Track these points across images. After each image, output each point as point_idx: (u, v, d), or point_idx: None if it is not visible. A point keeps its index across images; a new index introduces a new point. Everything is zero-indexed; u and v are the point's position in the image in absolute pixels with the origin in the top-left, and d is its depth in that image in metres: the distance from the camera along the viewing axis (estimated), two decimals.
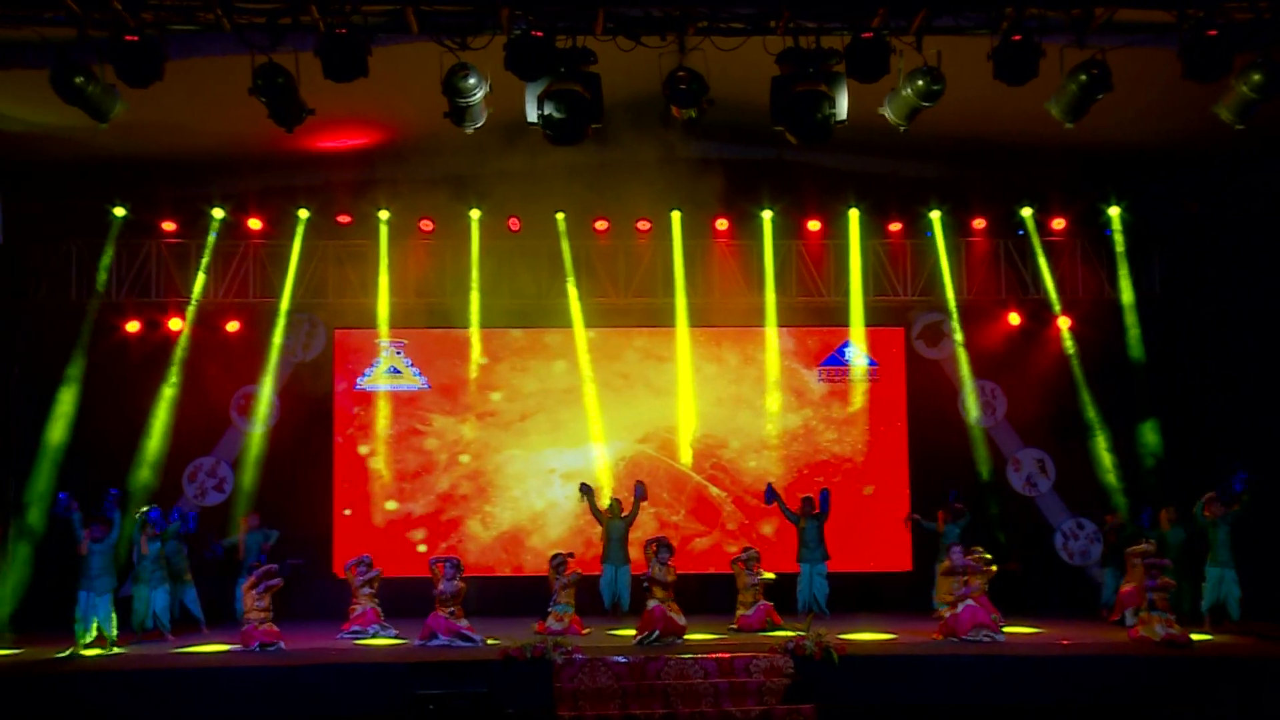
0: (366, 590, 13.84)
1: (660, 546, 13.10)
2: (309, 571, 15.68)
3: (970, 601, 12.66)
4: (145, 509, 13.95)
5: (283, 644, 12.56)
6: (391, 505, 16.24)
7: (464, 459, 16.39)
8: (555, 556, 13.75)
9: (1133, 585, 13.35)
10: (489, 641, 12.57)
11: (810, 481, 15.81)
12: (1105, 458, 15.59)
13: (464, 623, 12.71)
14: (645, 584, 12.94)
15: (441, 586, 12.80)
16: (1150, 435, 15.50)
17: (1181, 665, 11.83)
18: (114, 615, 12.79)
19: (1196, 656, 12.03)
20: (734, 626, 13.57)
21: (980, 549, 13.52)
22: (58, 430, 14.77)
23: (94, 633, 12.60)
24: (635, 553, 14.40)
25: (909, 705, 11.60)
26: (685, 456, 16.43)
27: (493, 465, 16.44)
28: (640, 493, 14.31)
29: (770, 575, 13.97)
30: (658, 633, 12.46)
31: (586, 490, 14.63)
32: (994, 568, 13.56)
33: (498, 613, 14.96)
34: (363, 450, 16.34)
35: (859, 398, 16.65)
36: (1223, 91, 9.50)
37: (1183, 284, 16.07)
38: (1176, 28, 8.97)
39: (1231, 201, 15.47)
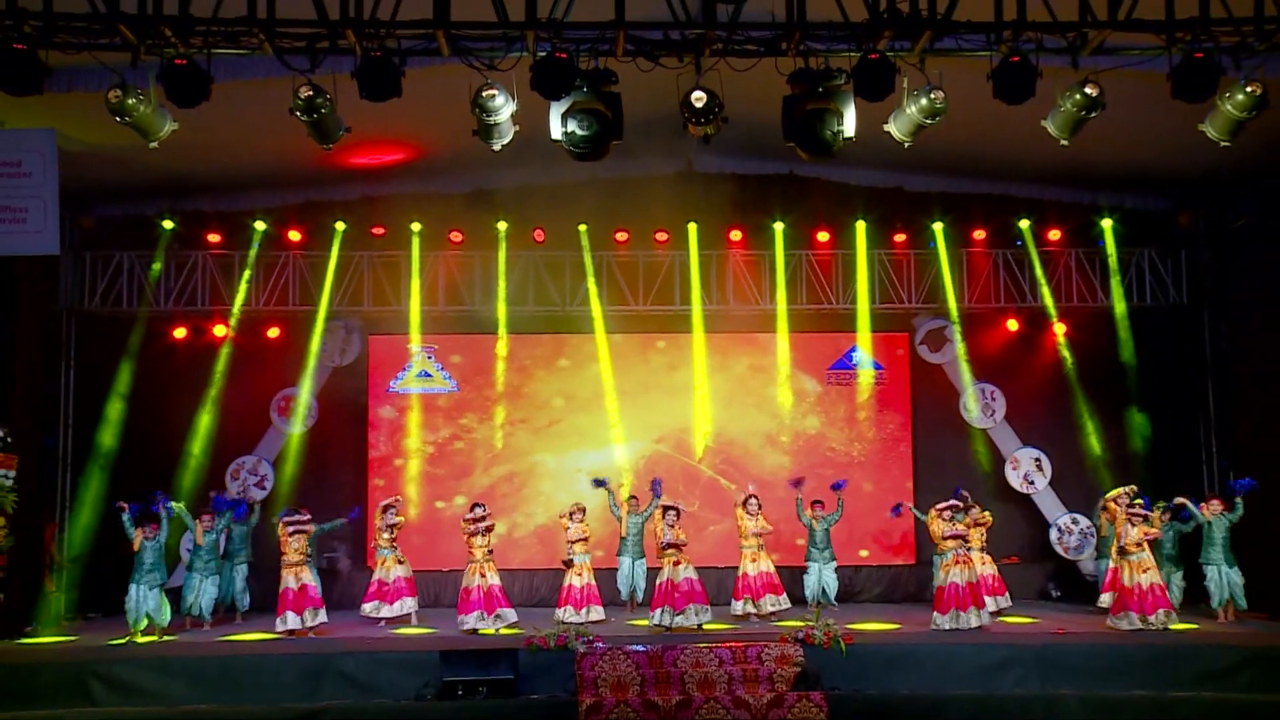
0: (387, 536, 13.93)
1: (667, 509, 13.43)
2: (350, 565, 15.91)
3: (957, 580, 12.71)
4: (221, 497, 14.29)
5: (315, 617, 12.92)
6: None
7: (495, 457, 16.45)
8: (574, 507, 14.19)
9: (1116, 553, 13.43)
10: (504, 631, 12.78)
11: (820, 479, 15.73)
12: (1097, 450, 15.57)
13: (493, 579, 13.04)
14: (662, 547, 13.21)
15: (472, 527, 13.25)
16: (1139, 419, 15.52)
17: (1178, 652, 11.81)
18: (165, 606, 12.93)
19: (1194, 644, 12.03)
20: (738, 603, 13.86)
21: (978, 506, 14.10)
22: (109, 431, 14.88)
23: (145, 622, 12.73)
24: (650, 541, 14.40)
25: (913, 693, 11.58)
26: (700, 455, 16.47)
27: (523, 466, 16.47)
28: (657, 490, 14.33)
29: (768, 526, 14.24)
30: (669, 608, 12.85)
31: (602, 484, 14.68)
32: (989, 517, 14.11)
33: (531, 603, 15.24)
34: (395, 450, 16.41)
35: (865, 400, 16.68)
36: (1210, 111, 9.50)
37: (1174, 293, 16.04)
38: (1166, 50, 8.96)
39: (1222, 214, 15.47)
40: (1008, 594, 14.32)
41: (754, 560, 14.00)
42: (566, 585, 13.75)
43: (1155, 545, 13.41)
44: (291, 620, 12.86)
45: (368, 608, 13.82)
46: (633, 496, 14.89)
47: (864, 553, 16.32)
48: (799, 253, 15.99)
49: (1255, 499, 13.19)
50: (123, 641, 12.53)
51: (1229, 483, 13.68)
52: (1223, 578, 13.27)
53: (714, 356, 16.47)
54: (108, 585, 14.03)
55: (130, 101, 9.00)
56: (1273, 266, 14.41)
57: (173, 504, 13.43)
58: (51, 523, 14.71)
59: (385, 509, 14.16)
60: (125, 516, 12.95)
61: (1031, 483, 16.31)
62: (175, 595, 13.73)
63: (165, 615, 12.89)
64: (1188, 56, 8.81)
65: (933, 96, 9.27)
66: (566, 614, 13.43)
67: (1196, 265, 15.99)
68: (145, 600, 12.74)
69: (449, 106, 9.71)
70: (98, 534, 14.53)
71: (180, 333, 15.90)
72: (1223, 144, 9.61)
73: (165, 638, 12.78)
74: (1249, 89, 9.10)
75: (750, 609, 13.78)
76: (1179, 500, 13.68)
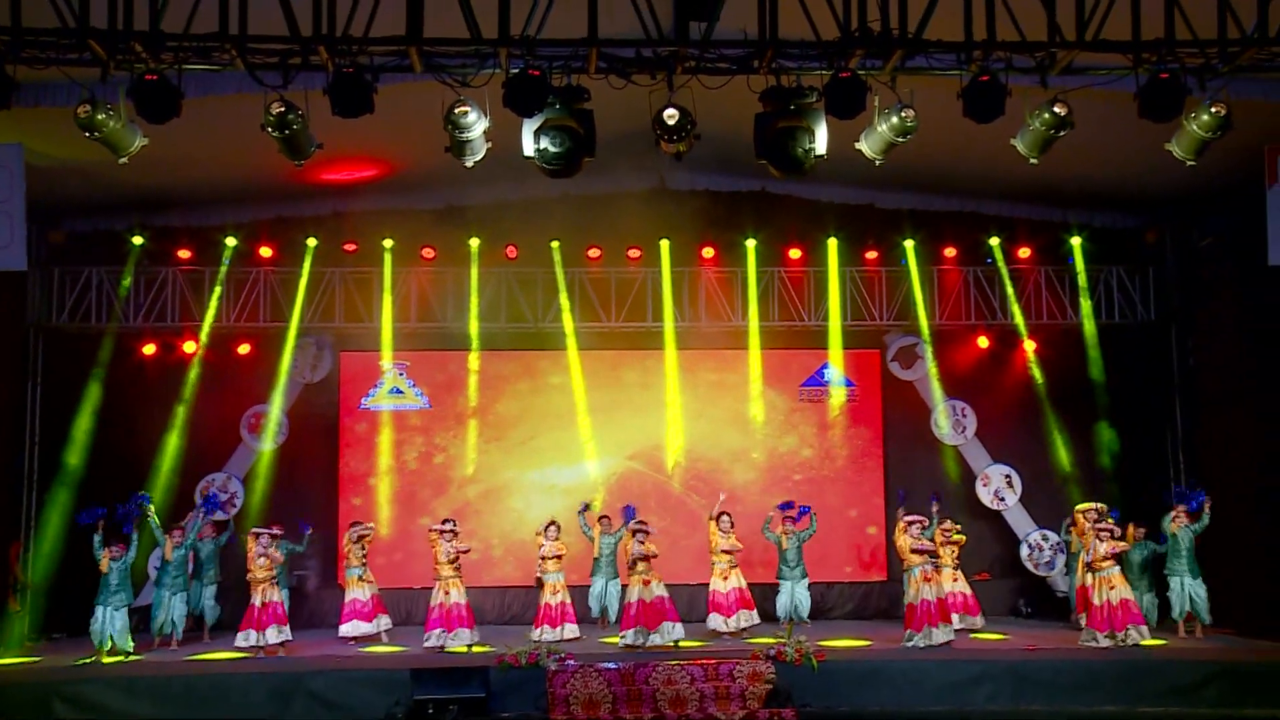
0: (359, 552, 13.83)
1: (636, 531, 13.40)
2: (316, 583, 15.79)
3: (928, 596, 12.72)
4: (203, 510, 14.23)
5: (279, 635, 12.73)
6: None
7: (468, 474, 16.38)
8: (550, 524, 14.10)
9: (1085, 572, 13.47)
10: (475, 649, 12.73)
11: (795, 496, 15.72)
12: (1067, 466, 15.68)
13: (457, 597, 12.97)
14: (631, 561, 13.23)
15: (441, 548, 13.18)
16: (1107, 435, 15.64)
17: (1146, 667, 11.89)
18: (128, 629, 12.79)
19: (1161, 659, 12.12)
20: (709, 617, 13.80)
21: (949, 520, 14.23)
22: (76, 447, 14.71)
23: (110, 645, 12.59)
24: (624, 560, 14.34)
25: (885, 710, 11.60)
26: (671, 471, 16.47)
27: (496, 483, 16.40)
28: (629, 515, 14.25)
29: (739, 545, 14.12)
30: (641, 628, 12.78)
31: (584, 509, 14.69)
32: (961, 538, 14.25)
33: (504, 620, 15.27)
34: (367, 467, 16.32)
35: (836, 417, 16.73)
36: (1176, 131, 9.61)
37: (1142, 310, 16.20)
38: (1132, 70, 9.06)
39: (1189, 232, 15.64)
40: (981, 615, 14.34)
41: (725, 578, 13.96)
42: (543, 604, 13.67)
43: (1125, 562, 13.49)
44: (252, 637, 12.75)
45: (346, 628, 13.67)
46: (604, 516, 14.86)
47: (848, 569, 16.38)
48: (771, 269, 16.02)
49: (1221, 514, 13.29)
50: (89, 661, 12.39)
51: (1177, 492, 13.87)
52: (1185, 590, 13.34)
53: (686, 373, 16.46)
54: (74, 605, 13.87)
55: (100, 117, 8.93)
56: (1239, 284, 14.58)
57: (150, 506, 13.32)
58: (16, 542, 14.54)
59: (355, 528, 14.06)
60: (96, 537, 12.82)
61: (1002, 499, 16.37)
62: (143, 613, 13.61)
63: (129, 641, 12.74)
64: (1154, 77, 8.91)
65: (903, 115, 9.34)
66: (543, 633, 13.37)
67: (1164, 283, 16.16)
68: (111, 622, 12.62)
69: (421, 123, 9.70)
70: (64, 554, 14.33)
71: (150, 349, 15.76)
72: (1188, 163, 9.73)
73: (131, 658, 12.64)
74: (1214, 109, 9.23)
75: (723, 626, 13.75)
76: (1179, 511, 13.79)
